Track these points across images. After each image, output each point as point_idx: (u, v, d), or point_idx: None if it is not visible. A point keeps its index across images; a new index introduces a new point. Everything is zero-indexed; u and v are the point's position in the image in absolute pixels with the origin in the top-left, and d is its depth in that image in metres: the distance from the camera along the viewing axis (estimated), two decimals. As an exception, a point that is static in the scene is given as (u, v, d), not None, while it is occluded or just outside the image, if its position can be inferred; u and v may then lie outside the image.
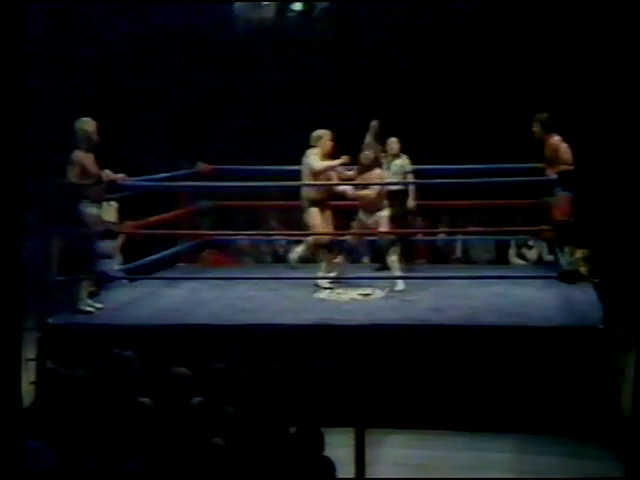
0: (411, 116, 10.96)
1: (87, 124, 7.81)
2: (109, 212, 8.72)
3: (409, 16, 11.11)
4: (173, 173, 9.50)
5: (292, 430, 4.76)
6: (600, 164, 8.94)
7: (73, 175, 7.70)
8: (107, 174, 7.92)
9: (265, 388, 5.23)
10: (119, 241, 9.15)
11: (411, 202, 9.39)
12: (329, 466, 4.64)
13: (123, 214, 8.95)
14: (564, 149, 8.74)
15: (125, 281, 9.00)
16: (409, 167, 9.42)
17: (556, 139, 8.79)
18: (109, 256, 8.88)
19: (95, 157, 7.82)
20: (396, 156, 9.45)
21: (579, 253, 8.77)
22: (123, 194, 8.59)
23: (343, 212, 10.48)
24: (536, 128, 8.84)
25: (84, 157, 7.73)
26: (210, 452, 4.44)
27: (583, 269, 8.56)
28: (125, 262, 9.18)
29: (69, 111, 8.93)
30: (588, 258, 8.66)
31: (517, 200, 9.67)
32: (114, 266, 8.89)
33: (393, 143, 9.48)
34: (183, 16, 11.12)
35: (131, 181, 8.39)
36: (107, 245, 8.75)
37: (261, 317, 7.63)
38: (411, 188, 9.42)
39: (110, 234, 8.19)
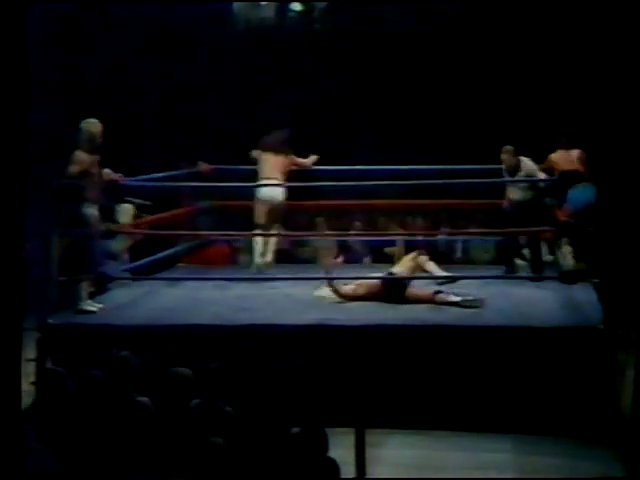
0: (412, 116, 10.97)
1: (93, 125, 7.81)
2: (124, 214, 8.70)
3: (411, 15, 11.11)
4: (173, 173, 9.52)
5: (295, 430, 4.76)
6: (601, 166, 8.95)
7: (72, 174, 7.68)
8: (107, 173, 7.93)
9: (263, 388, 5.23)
10: (128, 242, 9.09)
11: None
12: (333, 467, 4.64)
13: (138, 218, 8.93)
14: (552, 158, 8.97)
15: (126, 281, 8.99)
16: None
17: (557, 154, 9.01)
18: (114, 257, 8.86)
19: (99, 159, 7.85)
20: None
21: (568, 249, 8.78)
22: (142, 202, 8.58)
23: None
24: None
25: (86, 158, 7.73)
26: (209, 452, 4.44)
27: (572, 263, 8.58)
28: (133, 262, 9.08)
29: (71, 110, 8.95)
30: (577, 256, 8.65)
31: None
32: (117, 267, 8.86)
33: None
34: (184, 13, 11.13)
35: (131, 181, 8.40)
36: (113, 246, 8.75)
37: (261, 317, 7.63)
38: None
39: (110, 234, 8.18)
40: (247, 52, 11.37)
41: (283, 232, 10.05)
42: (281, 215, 9.26)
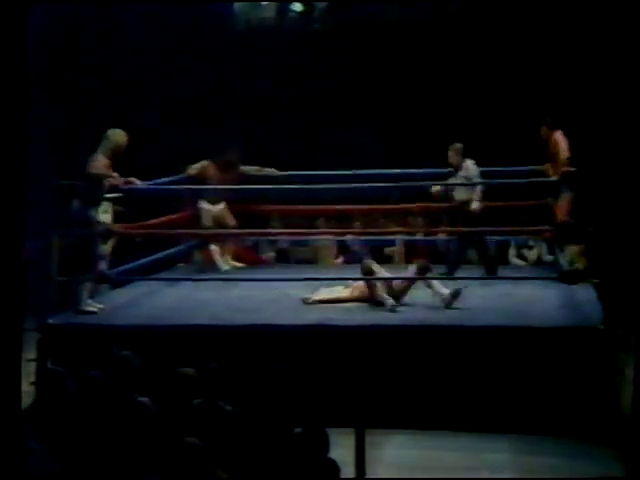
0: (413, 119, 10.96)
1: (121, 136, 8.03)
2: (105, 213, 8.66)
3: (410, 16, 11.10)
4: (175, 177, 9.55)
5: (297, 431, 4.76)
6: (600, 164, 8.95)
7: (95, 175, 7.85)
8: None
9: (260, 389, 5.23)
10: (112, 243, 9.06)
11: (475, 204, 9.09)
12: (333, 468, 4.63)
13: (117, 217, 8.89)
14: (563, 144, 8.93)
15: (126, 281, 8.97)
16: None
17: (557, 134, 9.00)
18: (102, 258, 8.82)
19: (111, 164, 8.01)
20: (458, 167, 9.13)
21: (575, 248, 8.78)
22: (117, 196, 8.55)
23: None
24: (543, 131, 9.07)
25: (107, 163, 7.94)
26: (193, 452, 4.43)
27: (580, 265, 8.58)
28: (116, 264, 9.00)
29: (71, 112, 8.95)
30: (584, 252, 8.65)
31: (517, 201, 9.69)
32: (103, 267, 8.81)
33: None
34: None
35: (134, 185, 8.40)
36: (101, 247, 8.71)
37: (261, 317, 7.63)
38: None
39: (109, 235, 8.17)
40: (247, 52, 11.36)
41: (283, 232, 10.12)
42: (224, 221, 9.74)
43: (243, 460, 4.56)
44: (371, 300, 8.01)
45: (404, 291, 8.03)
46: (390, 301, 7.82)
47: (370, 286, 8.02)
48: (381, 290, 7.95)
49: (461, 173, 9.03)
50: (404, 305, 7.91)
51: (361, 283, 8.19)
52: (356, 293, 8.15)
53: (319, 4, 11.88)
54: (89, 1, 10.59)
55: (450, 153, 9.07)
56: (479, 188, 8.96)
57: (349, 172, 9.25)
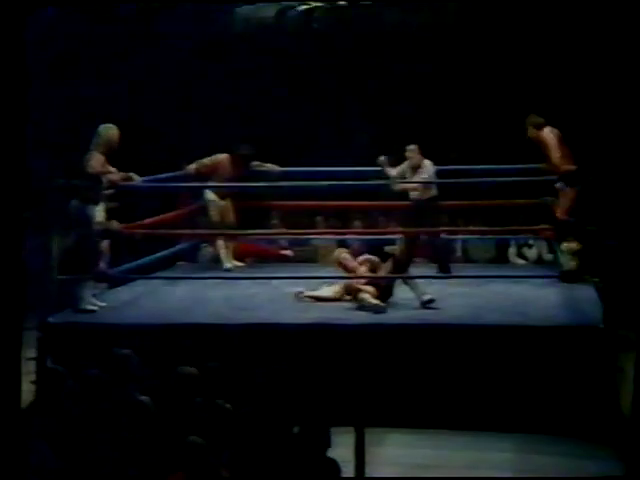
0: (412, 119, 10.96)
1: (111, 131, 8.03)
2: (99, 211, 8.68)
3: (405, 18, 11.10)
4: (174, 174, 9.54)
5: (296, 430, 4.76)
6: (600, 163, 8.95)
7: (92, 173, 7.87)
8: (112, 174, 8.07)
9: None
10: (108, 241, 9.07)
11: None
12: (333, 467, 4.64)
13: (110, 213, 8.91)
14: (552, 143, 8.88)
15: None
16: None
17: (545, 133, 8.95)
18: (101, 256, 8.84)
19: (107, 160, 8.01)
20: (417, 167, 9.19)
21: (569, 247, 8.78)
22: (110, 193, 8.57)
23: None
24: (530, 132, 9.01)
25: (102, 160, 7.95)
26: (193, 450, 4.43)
27: (573, 264, 8.59)
28: (115, 263, 8.81)
29: (70, 112, 8.93)
30: (578, 252, 8.65)
31: (517, 200, 9.68)
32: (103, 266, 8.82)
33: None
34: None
35: (133, 182, 8.39)
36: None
37: (261, 316, 7.64)
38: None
39: (109, 234, 8.18)
40: (246, 52, 11.36)
41: (283, 231, 10.13)
42: (228, 216, 9.62)
43: (244, 459, 4.57)
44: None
45: (390, 286, 7.99)
46: (381, 305, 7.77)
47: (355, 290, 7.98)
48: (365, 294, 7.89)
49: (421, 172, 9.04)
50: (403, 304, 7.91)
51: (350, 281, 8.16)
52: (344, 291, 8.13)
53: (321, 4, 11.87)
54: (87, 5, 10.57)
55: (409, 154, 9.13)
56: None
57: (343, 169, 9.29)
